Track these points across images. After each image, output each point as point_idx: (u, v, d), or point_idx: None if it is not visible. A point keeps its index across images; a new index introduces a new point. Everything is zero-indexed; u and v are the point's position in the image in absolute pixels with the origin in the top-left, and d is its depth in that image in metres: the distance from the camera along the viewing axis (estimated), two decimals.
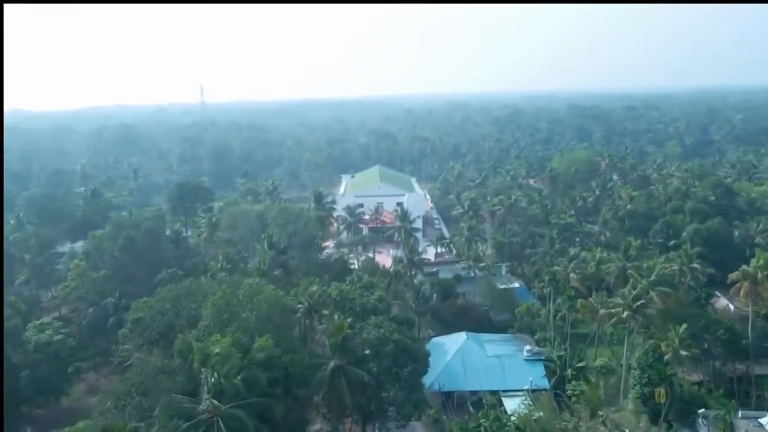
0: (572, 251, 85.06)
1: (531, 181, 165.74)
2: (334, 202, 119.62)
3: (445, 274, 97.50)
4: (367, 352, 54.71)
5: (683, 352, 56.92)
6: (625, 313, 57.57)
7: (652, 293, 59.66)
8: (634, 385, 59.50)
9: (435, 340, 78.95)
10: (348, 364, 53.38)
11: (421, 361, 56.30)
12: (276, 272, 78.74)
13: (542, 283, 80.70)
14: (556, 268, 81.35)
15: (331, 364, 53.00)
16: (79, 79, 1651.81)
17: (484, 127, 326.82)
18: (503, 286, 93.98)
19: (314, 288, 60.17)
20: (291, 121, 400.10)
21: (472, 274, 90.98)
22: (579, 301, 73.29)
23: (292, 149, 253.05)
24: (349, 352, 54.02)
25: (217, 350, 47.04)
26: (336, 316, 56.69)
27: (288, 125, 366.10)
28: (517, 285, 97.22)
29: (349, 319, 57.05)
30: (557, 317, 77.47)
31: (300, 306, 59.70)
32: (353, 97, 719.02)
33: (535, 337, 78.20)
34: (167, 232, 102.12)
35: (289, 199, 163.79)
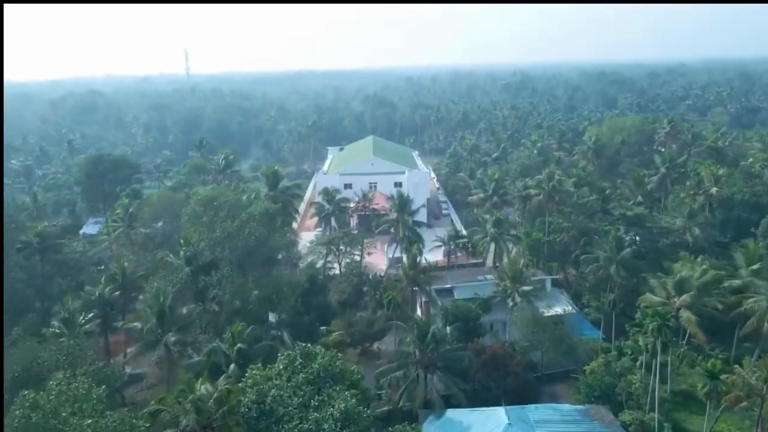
0: (679, 269, 52.22)
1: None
2: (297, 187, 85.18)
3: (463, 293, 65.33)
4: None
5: None
6: None
7: None
8: None
9: (453, 415, 47.10)
10: None
11: None
12: (184, 309, 46.65)
13: (640, 329, 48.10)
14: (654, 297, 48.78)
15: None
16: (70, 49, 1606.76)
17: (494, 94, 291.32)
18: (551, 312, 61.64)
19: (203, 389, 27.52)
20: (281, 90, 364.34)
21: (511, 303, 58.27)
22: (727, 377, 40.72)
23: (275, 118, 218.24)
24: None
25: None
26: None
27: (276, 93, 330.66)
28: (572, 310, 65.06)
29: None
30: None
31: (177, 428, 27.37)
32: (351, 68, 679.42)
33: (621, 419, 46.47)
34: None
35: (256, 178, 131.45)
